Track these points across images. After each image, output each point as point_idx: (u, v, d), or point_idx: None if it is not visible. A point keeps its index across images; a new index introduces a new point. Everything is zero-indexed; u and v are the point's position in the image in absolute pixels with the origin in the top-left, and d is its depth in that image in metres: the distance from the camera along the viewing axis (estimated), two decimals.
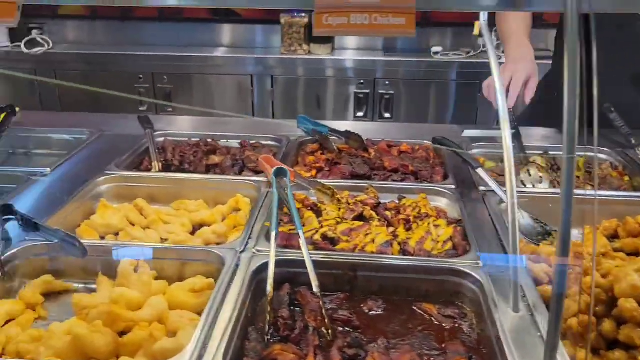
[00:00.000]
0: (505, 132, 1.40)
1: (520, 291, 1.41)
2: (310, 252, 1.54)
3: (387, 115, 4.64)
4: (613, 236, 1.88)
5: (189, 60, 4.73)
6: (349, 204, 1.89)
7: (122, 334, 1.37)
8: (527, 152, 2.37)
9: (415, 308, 1.53)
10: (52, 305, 1.57)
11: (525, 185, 2.17)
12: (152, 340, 1.27)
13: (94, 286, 1.62)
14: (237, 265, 1.56)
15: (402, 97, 4.58)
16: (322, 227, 1.73)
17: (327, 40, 4.71)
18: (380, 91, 4.58)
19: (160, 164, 2.34)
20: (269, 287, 1.46)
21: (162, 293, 1.54)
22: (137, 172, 2.27)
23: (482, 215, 1.86)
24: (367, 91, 4.59)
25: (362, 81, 4.57)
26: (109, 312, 1.34)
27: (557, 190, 2.01)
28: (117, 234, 1.89)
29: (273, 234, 1.58)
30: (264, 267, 1.56)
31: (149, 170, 2.31)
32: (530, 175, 2.19)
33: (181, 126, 2.80)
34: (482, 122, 4.32)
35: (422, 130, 2.72)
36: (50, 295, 1.60)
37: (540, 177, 2.17)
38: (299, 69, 4.65)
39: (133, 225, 1.94)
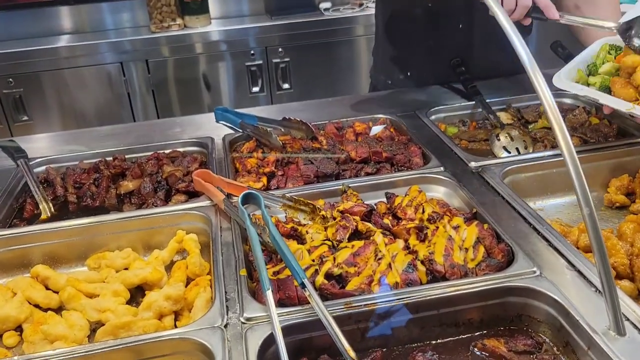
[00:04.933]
0: (539, 81, 1.03)
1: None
2: None
3: (285, 86, 4.17)
4: (629, 193, 1.65)
5: (35, 55, 3.85)
6: (334, 219, 1.45)
7: None
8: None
9: (476, 350, 1.16)
10: None
11: (509, 152, 1.87)
12: None
13: None
14: (229, 352, 1.07)
15: (299, 64, 4.13)
16: (322, 261, 1.28)
17: (202, 9, 4.08)
18: (275, 60, 4.09)
19: (51, 205, 1.71)
20: None
21: None
22: (23, 225, 1.63)
23: (494, 199, 1.53)
24: (260, 62, 4.08)
25: (252, 52, 4.04)
26: None
27: (553, 152, 1.73)
28: (19, 329, 1.30)
29: (268, 293, 1.11)
30: (267, 343, 1.10)
31: (37, 217, 1.68)
32: (512, 140, 1.89)
33: (60, 145, 2.13)
34: None
35: (356, 102, 2.32)
36: None
37: (524, 141, 1.88)
38: (176, 47, 3.99)
39: (41, 308, 1.35)
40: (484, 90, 2.18)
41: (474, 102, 2.15)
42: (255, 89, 4.15)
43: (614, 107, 1.59)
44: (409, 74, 2.40)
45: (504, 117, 2.10)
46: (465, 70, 2.28)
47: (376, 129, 1.96)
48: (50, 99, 3.92)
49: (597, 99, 1.63)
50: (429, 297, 1.18)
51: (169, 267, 1.48)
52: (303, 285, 1.14)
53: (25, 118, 3.91)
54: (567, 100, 2.16)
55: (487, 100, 2.12)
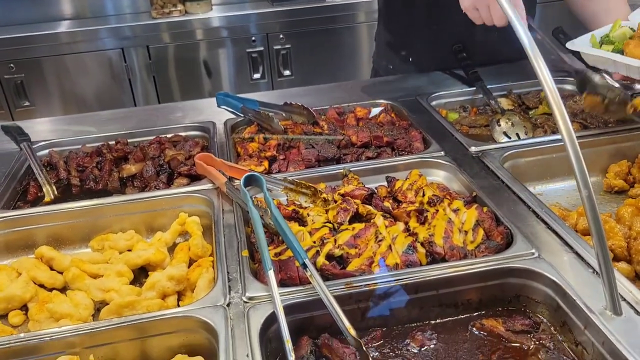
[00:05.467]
0: (540, 66, 1.03)
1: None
2: None
3: (286, 72, 4.17)
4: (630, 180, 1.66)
5: (36, 41, 3.84)
6: (335, 202, 1.46)
7: None
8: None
9: (475, 330, 1.18)
10: None
11: (509, 137, 1.88)
12: None
13: None
14: (232, 330, 1.09)
15: (300, 50, 4.12)
16: (323, 243, 1.30)
17: None
18: (276, 47, 4.08)
19: (55, 188, 1.73)
20: (291, 355, 1.02)
21: None
22: (27, 207, 1.65)
23: (494, 183, 1.54)
24: (261, 49, 4.07)
25: (253, 38, 4.03)
26: None
27: (553, 137, 1.74)
28: (24, 309, 1.32)
29: (270, 273, 1.13)
30: (269, 322, 1.11)
31: (40, 200, 1.70)
32: (513, 125, 1.90)
33: (62, 130, 2.13)
34: None
35: (357, 88, 2.33)
36: None
37: (525, 127, 1.89)
38: (177, 33, 3.98)
39: (46, 288, 1.37)
40: (485, 76, 2.18)
41: (475, 88, 2.15)
42: (257, 76, 4.15)
43: (628, 63, 1.59)
44: (410, 59, 2.40)
45: (505, 103, 2.11)
46: (467, 56, 2.28)
47: (376, 110, 1.97)
48: (51, 85, 3.92)
49: (609, 58, 1.64)
50: (428, 278, 1.19)
51: (171, 249, 1.50)
52: (304, 266, 1.15)
53: (27, 103, 3.91)
54: (568, 87, 2.16)
55: (488, 86, 2.13)
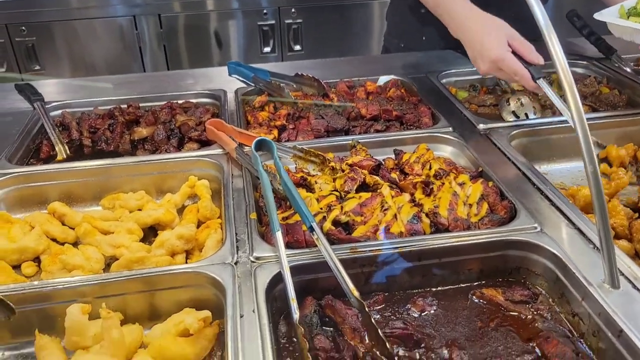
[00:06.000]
0: (553, 42, 1.04)
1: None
2: None
3: (297, 47, 4.15)
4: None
5: (48, 4, 3.84)
6: (343, 171, 1.49)
7: None
8: None
9: (474, 298, 1.21)
10: None
11: (518, 117, 1.89)
12: None
13: (28, 350, 1.11)
14: (239, 287, 1.12)
15: (312, 25, 4.10)
16: (329, 209, 1.32)
17: None
18: (287, 21, 4.06)
19: (67, 148, 1.75)
20: (295, 313, 1.05)
21: (138, 346, 1.08)
22: (39, 164, 1.68)
23: (501, 160, 1.56)
24: (272, 22, 4.05)
25: (265, 11, 4.02)
26: None
27: (562, 118, 1.75)
28: (37, 261, 1.36)
29: (278, 234, 1.16)
30: (275, 281, 1.15)
31: (53, 157, 1.72)
32: (522, 105, 1.91)
33: (76, 91, 2.15)
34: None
35: (368, 63, 2.34)
36: None
37: (534, 107, 1.90)
38: (188, 3, 3.96)
39: (57, 242, 1.41)
40: None
41: None
42: (267, 49, 4.13)
43: None
44: (423, 37, 2.40)
45: (515, 84, 2.12)
46: None
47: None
48: (61, 49, 3.93)
49: (636, 29, 1.66)
50: (431, 247, 1.22)
51: (180, 211, 1.53)
52: (311, 229, 1.18)
53: (37, 67, 3.92)
54: (579, 70, 2.17)
55: None
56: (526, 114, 1.90)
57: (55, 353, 1.04)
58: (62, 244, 1.40)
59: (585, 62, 2.16)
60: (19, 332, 1.11)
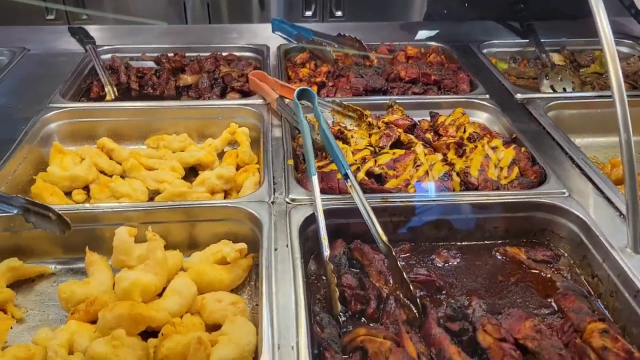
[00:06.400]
0: (602, 16, 1.06)
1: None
2: None
3: (338, 13, 4.15)
4: None
5: None
6: (379, 127, 1.53)
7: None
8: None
9: (498, 254, 1.25)
10: (26, 299, 1.15)
11: (555, 91, 1.90)
12: (201, 349, 0.91)
13: (77, 265, 1.21)
14: (274, 224, 1.19)
15: None
16: (364, 161, 1.38)
17: None
18: None
19: (116, 90, 1.84)
20: (326, 251, 1.12)
21: (178, 269, 1.16)
22: (89, 102, 1.76)
23: (535, 129, 1.58)
24: None
25: None
26: (131, 314, 0.95)
27: (600, 93, 1.75)
28: (86, 189, 1.45)
29: (314, 178, 1.22)
30: (308, 222, 1.21)
31: (102, 98, 1.81)
32: (561, 80, 1.91)
33: (125, 38, 2.23)
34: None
35: (411, 30, 2.35)
36: (19, 284, 1.17)
37: (573, 82, 1.90)
38: None
39: (105, 174, 1.50)
40: (540, 30, 2.18)
41: (527, 40, 2.16)
42: (308, 13, 4.14)
43: None
44: (466, 4, 2.40)
45: (557, 58, 2.12)
46: (524, 7, 2.27)
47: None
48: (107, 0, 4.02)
49: None
50: (460, 202, 1.27)
51: (219, 156, 1.60)
52: (346, 177, 1.23)
53: (85, 17, 4.02)
54: (624, 49, 2.15)
55: (542, 40, 2.13)
56: (564, 88, 1.90)
57: (104, 269, 1.13)
58: (110, 176, 1.49)
59: (630, 42, 2.14)
60: (70, 248, 1.20)
